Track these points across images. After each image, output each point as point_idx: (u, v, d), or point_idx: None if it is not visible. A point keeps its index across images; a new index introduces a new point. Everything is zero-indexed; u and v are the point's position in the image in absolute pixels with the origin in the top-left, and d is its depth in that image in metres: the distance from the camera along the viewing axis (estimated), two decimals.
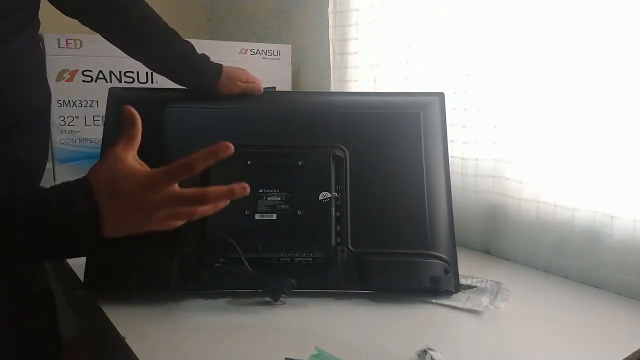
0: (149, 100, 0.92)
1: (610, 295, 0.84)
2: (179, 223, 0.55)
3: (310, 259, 0.80)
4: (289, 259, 0.80)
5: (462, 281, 0.84)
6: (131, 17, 0.84)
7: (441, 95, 0.92)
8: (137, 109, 0.85)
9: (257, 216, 0.82)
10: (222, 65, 0.91)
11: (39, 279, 0.83)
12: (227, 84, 0.90)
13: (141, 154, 0.83)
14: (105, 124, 0.90)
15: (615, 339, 0.70)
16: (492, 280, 0.86)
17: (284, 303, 0.77)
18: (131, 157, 0.54)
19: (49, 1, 0.80)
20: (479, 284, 0.85)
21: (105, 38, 0.87)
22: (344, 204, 0.84)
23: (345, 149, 0.86)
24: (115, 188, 0.51)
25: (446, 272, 0.80)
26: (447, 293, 0.80)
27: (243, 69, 0.93)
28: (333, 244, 0.81)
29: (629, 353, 0.66)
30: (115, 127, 0.88)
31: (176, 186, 0.52)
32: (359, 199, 0.84)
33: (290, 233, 0.81)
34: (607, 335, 0.71)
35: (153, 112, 0.90)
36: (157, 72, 0.94)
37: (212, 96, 0.91)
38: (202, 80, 0.89)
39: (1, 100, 0.64)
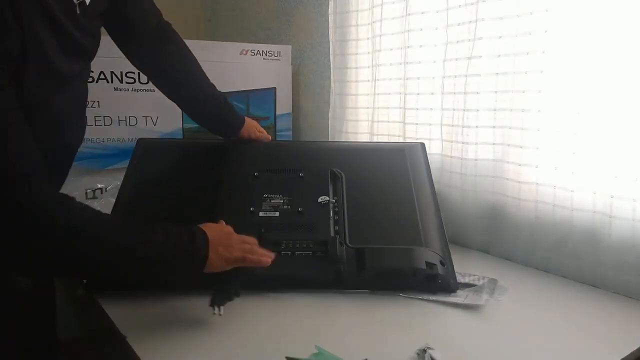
0: (173, 148, 1.07)
1: (609, 295, 0.84)
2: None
3: (310, 252, 0.82)
4: (289, 252, 0.82)
5: (459, 279, 0.85)
6: (184, 72, 0.95)
7: (422, 144, 1.07)
8: (161, 155, 1.02)
9: (261, 214, 0.87)
10: (244, 116, 1.05)
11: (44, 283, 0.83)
12: (248, 131, 1.03)
13: (167, 189, 0.95)
14: (128, 167, 0.99)
15: (614, 338, 0.70)
16: (488, 277, 0.87)
17: (220, 315, 0.72)
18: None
19: (115, 42, 0.91)
20: (476, 282, 0.85)
21: (149, 78, 0.98)
22: (341, 209, 0.89)
23: (341, 172, 0.95)
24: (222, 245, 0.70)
25: (442, 263, 0.82)
26: (446, 286, 0.81)
27: (255, 121, 1.07)
28: (332, 234, 0.84)
29: (628, 353, 0.66)
30: (137, 171, 0.97)
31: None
32: (355, 210, 0.89)
33: (291, 225, 0.85)
34: (606, 335, 0.71)
35: (178, 151, 1.04)
36: (190, 116, 1.04)
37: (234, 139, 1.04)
38: (230, 128, 1.02)
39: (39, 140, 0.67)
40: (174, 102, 1.01)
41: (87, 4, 0.68)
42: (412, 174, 0.97)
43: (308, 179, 0.93)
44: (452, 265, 0.84)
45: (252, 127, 1.04)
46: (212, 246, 0.69)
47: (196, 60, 0.97)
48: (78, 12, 0.67)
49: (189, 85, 0.97)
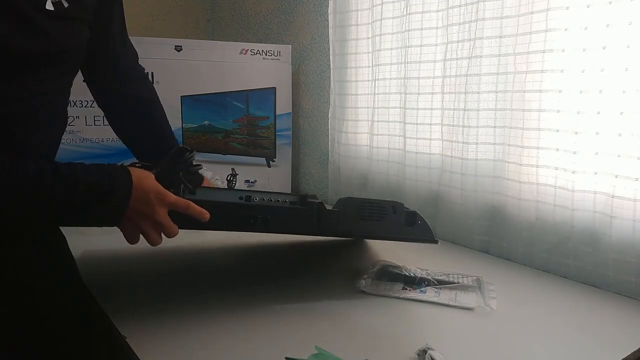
0: None
1: (609, 295, 0.84)
2: (154, 238, 0.68)
3: (288, 203, 0.76)
4: (263, 199, 0.75)
5: (443, 278, 0.86)
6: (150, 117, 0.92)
7: None
8: None
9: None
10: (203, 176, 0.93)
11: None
12: None
13: None
14: None
15: (614, 338, 0.70)
16: (472, 277, 0.87)
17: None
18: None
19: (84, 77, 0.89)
20: (460, 280, 0.86)
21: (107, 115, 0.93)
22: None
23: None
24: (144, 198, 0.65)
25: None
26: (426, 232, 0.80)
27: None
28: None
29: (629, 353, 0.66)
30: None
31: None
32: None
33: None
34: (606, 335, 0.71)
35: None
36: (135, 156, 0.94)
37: None
38: None
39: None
40: (123, 142, 0.96)
41: (65, 6, 0.66)
42: None
43: None
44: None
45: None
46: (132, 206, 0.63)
47: (164, 113, 0.95)
48: (50, 8, 0.63)
49: (148, 137, 0.93)
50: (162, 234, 0.67)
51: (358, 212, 0.78)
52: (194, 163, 0.79)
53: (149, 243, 0.67)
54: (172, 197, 0.66)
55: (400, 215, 0.79)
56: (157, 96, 0.95)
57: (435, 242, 0.82)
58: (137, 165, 0.72)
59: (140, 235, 0.67)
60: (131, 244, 0.67)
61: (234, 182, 0.79)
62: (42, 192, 0.59)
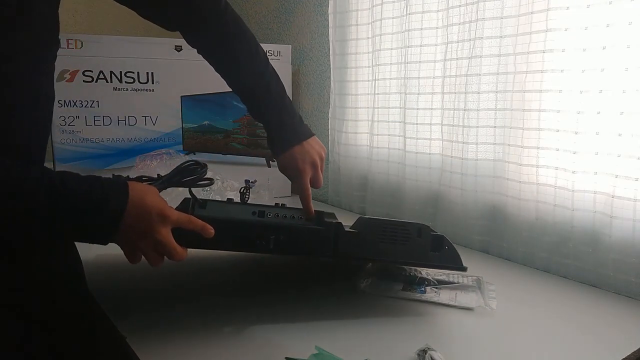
0: None
1: (609, 295, 0.84)
2: (155, 259, 0.62)
3: (303, 220, 0.72)
4: (277, 215, 0.72)
5: (443, 278, 0.86)
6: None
7: None
8: None
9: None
10: (308, 139, 0.82)
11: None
12: (296, 159, 0.80)
13: None
14: None
15: (614, 338, 0.70)
16: (471, 276, 0.87)
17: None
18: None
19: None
20: (459, 280, 0.86)
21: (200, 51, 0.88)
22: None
23: None
24: (144, 215, 0.59)
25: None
26: (454, 257, 0.74)
27: (320, 146, 0.85)
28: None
29: (629, 353, 0.66)
30: None
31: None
32: None
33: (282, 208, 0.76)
34: (606, 335, 0.71)
35: None
36: (237, 92, 0.90)
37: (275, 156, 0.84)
38: (270, 141, 0.84)
39: None
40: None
41: None
42: None
43: None
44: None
45: (309, 156, 0.81)
46: (126, 224, 0.57)
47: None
48: None
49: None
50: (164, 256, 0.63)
51: (379, 234, 0.71)
52: (206, 177, 0.73)
53: (149, 264, 0.63)
54: (175, 215, 0.62)
55: (425, 239, 0.73)
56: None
57: (464, 269, 0.75)
58: (143, 179, 0.68)
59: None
60: (132, 263, 0.63)
61: (247, 196, 0.77)
62: (24, 195, 0.53)
